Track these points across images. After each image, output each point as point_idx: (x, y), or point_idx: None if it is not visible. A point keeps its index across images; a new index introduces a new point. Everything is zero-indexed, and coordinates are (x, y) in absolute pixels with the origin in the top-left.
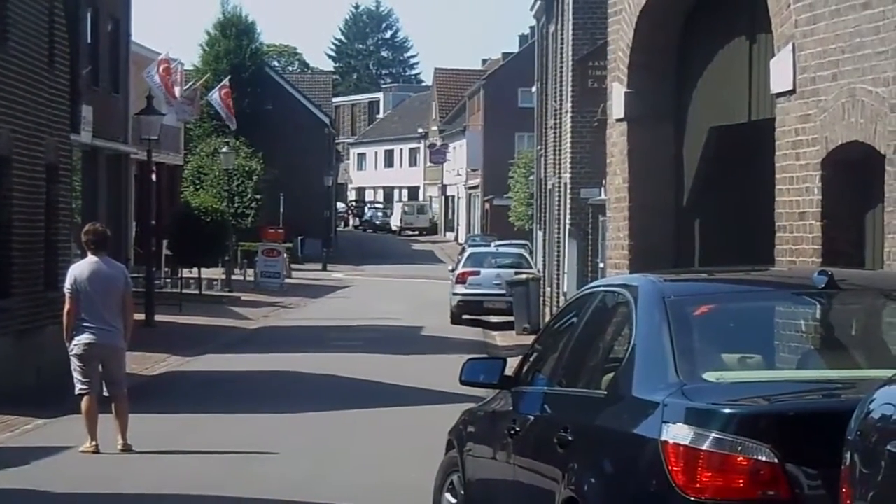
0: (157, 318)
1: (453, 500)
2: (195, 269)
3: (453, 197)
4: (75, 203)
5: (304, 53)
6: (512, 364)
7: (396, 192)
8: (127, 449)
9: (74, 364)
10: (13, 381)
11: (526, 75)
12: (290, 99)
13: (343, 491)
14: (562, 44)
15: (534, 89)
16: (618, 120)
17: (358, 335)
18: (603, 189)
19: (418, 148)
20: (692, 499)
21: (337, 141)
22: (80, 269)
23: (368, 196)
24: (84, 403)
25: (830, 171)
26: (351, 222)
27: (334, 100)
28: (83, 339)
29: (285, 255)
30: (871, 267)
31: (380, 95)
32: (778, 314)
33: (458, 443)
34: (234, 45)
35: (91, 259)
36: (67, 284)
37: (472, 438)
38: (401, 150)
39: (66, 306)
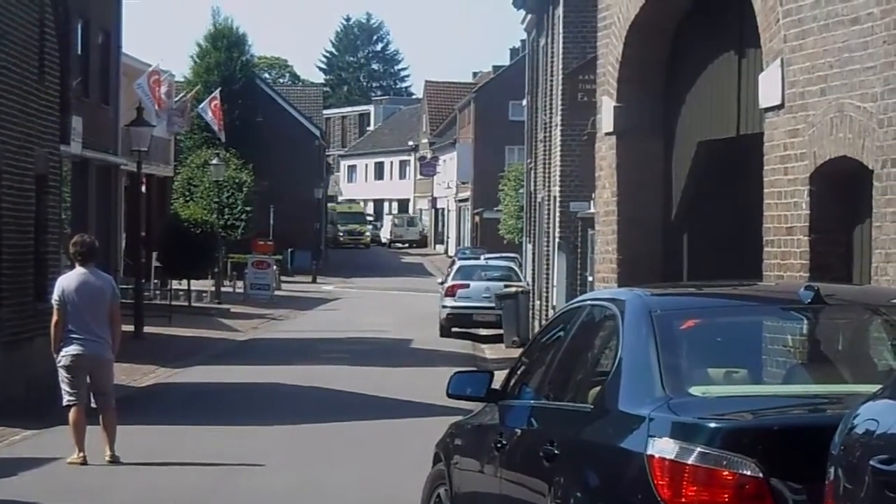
0: (147, 329)
1: None
2: (185, 281)
3: (443, 210)
4: (65, 214)
5: (294, 66)
6: (500, 377)
7: (386, 204)
8: (114, 460)
9: (62, 375)
10: (1, 392)
11: (516, 89)
12: (280, 111)
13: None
14: (552, 57)
15: (524, 102)
16: (607, 133)
17: (347, 347)
18: (592, 202)
19: (408, 160)
20: None
21: (327, 153)
22: (68, 280)
23: None
24: (72, 415)
25: (818, 186)
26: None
27: (325, 112)
28: (71, 350)
29: (275, 267)
30: (859, 282)
31: (370, 108)
32: (765, 329)
33: (444, 455)
34: (224, 56)
35: (79, 270)
36: (55, 296)
37: (459, 451)
38: (391, 162)
39: (54, 318)
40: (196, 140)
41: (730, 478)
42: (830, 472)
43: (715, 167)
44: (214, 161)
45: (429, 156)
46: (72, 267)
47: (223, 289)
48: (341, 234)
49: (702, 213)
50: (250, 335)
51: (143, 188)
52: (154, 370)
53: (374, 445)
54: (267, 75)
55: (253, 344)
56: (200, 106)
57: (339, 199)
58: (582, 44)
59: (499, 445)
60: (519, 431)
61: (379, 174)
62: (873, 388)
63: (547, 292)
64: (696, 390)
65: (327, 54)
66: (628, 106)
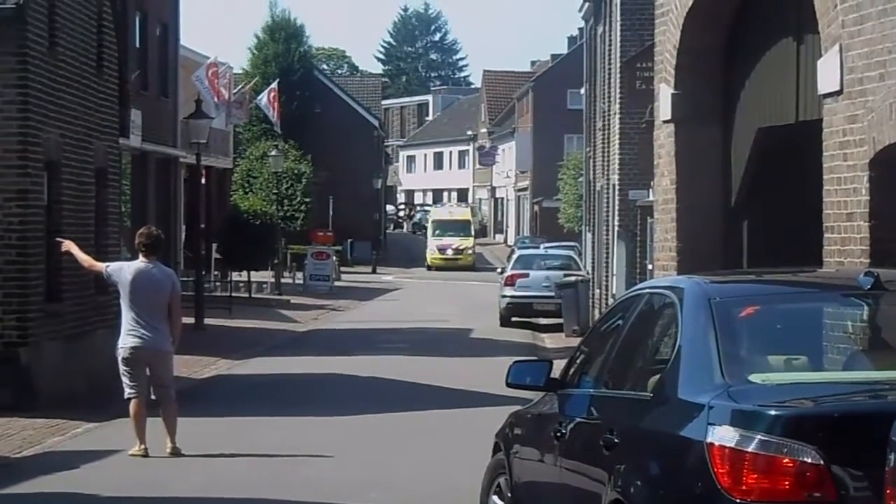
0: (207, 321)
1: (500, 503)
2: (244, 273)
3: (502, 199)
4: (125, 207)
5: (352, 56)
6: (560, 366)
7: (445, 194)
8: (176, 452)
9: (121, 368)
10: (63, 385)
11: (574, 77)
12: (339, 102)
13: (392, 494)
14: (610, 45)
15: (582, 91)
16: (665, 121)
17: (407, 338)
18: (651, 190)
19: (467, 150)
20: (738, 501)
21: (386, 143)
22: (129, 267)
23: (417, 199)
24: (132, 407)
25: (878, 172)
26: (405, 227)
27: (383, 102)
28: (129, 342)
29: (335, 258)
30: None
31: (429, 98)
32: (825, 315)
33: (504, 445)
34: (282, 48)
35: (142, 261)
36: (111, 265)
37: (519, 441)
38: (450, 152)
39: (95, 264)
40: (255, 132)
41: (790, 465)
42: (890, 458)
43: (774, 154)
44: (273, 152)
45: (487, 145)
46: (135, 258)
47: (283, 280)
48: (429, 250)
49: (761, 200)
50: (310, 326)
51: (203, 180)
52: (215, 362)
53: (434, 435)
54: (325, 66)
55: (313, 335)
56: (259, 97)
57: (399, 189)
58: (639, 31)
59: (558, 434)
60: (578, 420)
61: (438, 164)
62: None
63: (606, 281)
64: (755, 378)
65: (385, 45)
66: (686, 93)
